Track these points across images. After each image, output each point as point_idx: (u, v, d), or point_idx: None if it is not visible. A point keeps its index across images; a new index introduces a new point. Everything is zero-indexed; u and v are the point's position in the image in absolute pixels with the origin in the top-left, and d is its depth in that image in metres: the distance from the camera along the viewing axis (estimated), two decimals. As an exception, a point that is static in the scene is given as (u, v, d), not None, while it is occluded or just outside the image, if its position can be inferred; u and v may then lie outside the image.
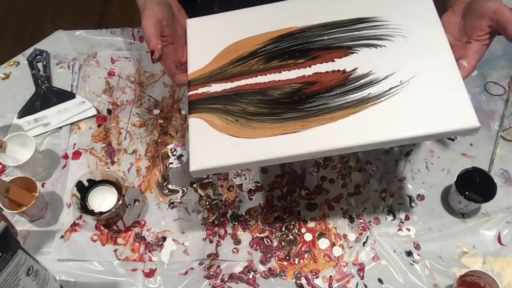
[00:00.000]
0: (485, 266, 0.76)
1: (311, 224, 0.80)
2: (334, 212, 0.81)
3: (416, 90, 0.59)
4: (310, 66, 0.63)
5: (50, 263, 0.76)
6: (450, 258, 0.77)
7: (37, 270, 0.66)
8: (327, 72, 0.62)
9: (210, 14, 0.93)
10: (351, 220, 0.80)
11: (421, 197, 0.82)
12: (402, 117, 0.58)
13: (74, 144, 0.88)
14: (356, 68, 0.62)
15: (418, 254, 0.77)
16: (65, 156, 0.87)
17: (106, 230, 0.79)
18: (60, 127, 0.90)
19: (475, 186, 0.78)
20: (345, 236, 0.79)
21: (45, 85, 0.93)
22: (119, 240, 0.79)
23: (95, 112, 0.91)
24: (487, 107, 0.90)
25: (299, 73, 0.63)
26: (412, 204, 0.81)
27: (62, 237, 0.79)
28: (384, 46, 0.63)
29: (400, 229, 0.79)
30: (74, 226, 0.80)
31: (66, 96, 0.92)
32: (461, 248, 0.77)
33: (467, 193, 0.78)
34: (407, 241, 0.78)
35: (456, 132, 0.58)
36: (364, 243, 0.78)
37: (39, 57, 0.97)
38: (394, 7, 0.66)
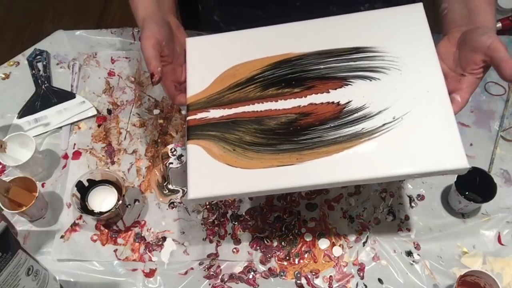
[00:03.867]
0: (485, 266, 0.76)
1: (311, 224, 0.80)
2: (334, 212, 0.81)
3: (409, 127, 0.60)
4: (305, 96, 0.64)
5: (50, 263, 0.76)
6: (450, 258, 0.77)
7: (37, 270, 0.66)
8: (322, 103, 0.63)
9: (211, 23, 0.94)
10: (351, 220, 0.80)
11: (421, 197, 0.82)
12: (395, 154, 0.59)
13: (74, 144, 0.88)
14: (350, 101, 0.62)
15: (418, 254, 0.77)
16: (65, 156, 0.87)
17: (106, 230, 0.79)
18: (60, 127, 0.90)
19: (475, 186, 0.78)
20: (345, 236, 0.79)
21: (45, 85, 0.93)
22: (119, 240, 0.79)
23: (95, 112, 0.91)
24: (487, 107, 0.90)
25: (295, 103, 0.63)
26: (412, 204, 0.81)
27: (62, 237, 0.79)
28: (378, 79, 0.63)
29: (400, 229, 0.79)
30: (74, 226, 0.80)
31: (66, 96, 0.92)
32: (461, 248, 0.77)
33: (467, 193, 0.78)
34: (407, 241, 0.78)
35: (446, 172, 0.59)
36: (364, 243, 0.78)
37: (39, 57, 0.97)
38: (392, 37, 0.66)
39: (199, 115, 0.65)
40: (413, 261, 0.76)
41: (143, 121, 0.90)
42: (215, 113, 0.64)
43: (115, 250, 0.78)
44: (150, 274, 0.76)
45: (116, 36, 0.99)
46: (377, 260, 0.77)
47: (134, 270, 0.77)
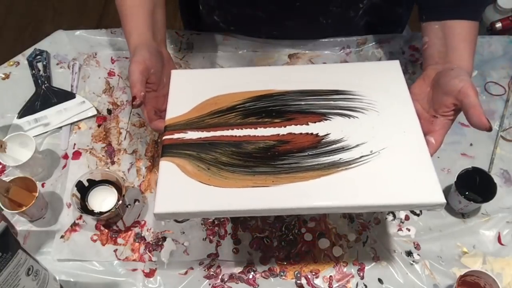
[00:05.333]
0: (485, 266, 0.76)
1: (311, 224, 0.80)
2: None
3: (386, 161, 0.61)
4: (285, 126, 0.65)
5: (50, 263, 0.76)
6: (450, 258, 0.77)
7: (37, 270, 0.66)
8: (301, 133, 0.64)
9: (211, 23, 0.95)
10: (351, 220, 0.80)
11: (421, 197, 0.82)
12: (372, 185, 0.59)
13: (74, 144, 0.88)
14: (328, 134, 0.64)
15: (418, 254, 0.77)
16: (65, 156, 0.87)
17: (106, 230, 0.79)
18: (60, 127, 0.90)
19: (475, 186, 0.78)
20: (345, 236, 0.79)
21: (45, 85, 0.93)
22: (119, 240, 0.79)
23: (95, 112, 0.91)
24: (487, 107, 0.90)
25: (274, 131, 0.64)
26: (412, 204, 0.81)
27: (62, 237, 0.79)
28: (357, 117, 0.65)
29: (400, 229, 0.79)
30: (74, 226, 0.80)
31: (66, 96, 0.92)
32: (461, 248, 0.77)
33: (467, 193, 0.78)
34: (407, 241, 0.78)
35: (422, 206, 0.59)
36: (364, 243, 0.78)
37: (39, 57, 0.97)
38: (371, 85, 0.68)
39: (176, 135, 0.65)
40: (413, 261, 0.76)
41: (143, 121, 0.90)
42: (192, 135, 0.65)
43: (115, 250, 0.78)
44: (150, 274, 0.76)
45: (116, 36, 0.99)
46: (377, 260, 0.77)
47: (134, 270, 0.77)
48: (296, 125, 0.65)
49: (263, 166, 0.61)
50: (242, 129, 0.65)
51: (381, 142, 0.62)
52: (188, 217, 0.59)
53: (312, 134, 0.64)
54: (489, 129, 0.60)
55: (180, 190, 0.60)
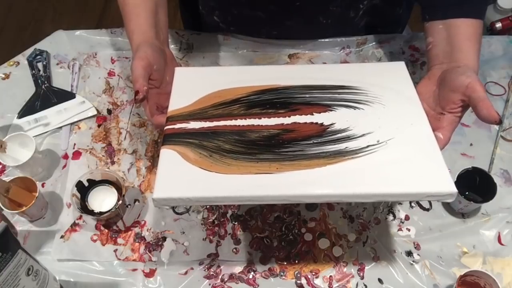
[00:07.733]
0: (485, 266, 0.76)
1: (311, 224, 0.80)
2: (334, 212, 0.81)
3: (394, 151, 0.60)
4: (289, 116, 0.64)
5: (50, 263, 0.76)
6: (450, 258, 0.77)
7: (37, 270, 0.66)
8: (306, 123, 0.64)
9: (211, 24, 0.96)
10: (351, 220, 0.80)
11: (421, 197, 0.82)
12: (380, 174, 0.58)
13: (74, 144, 0.88)
14: (333, 123, 0.63)
15: (418, 254, 0.77)
16: (65, 156, 0.87)
17: (106, 230, 0.79)
18: (60, 127, 0.90)
19: (475, 186, 0.78)
20: (345, 236, 0.79)
21: (45, 85, 0.94)
22: (119, 240, 0.79)
23: (95, 112, 0.91)
24: (487, 107, 0.90)
25: (279, 121, 0.64)
26: (412, 204, 0.81)
27: (62, 237, 0.79)
28: (362, 109, 0.65)
29: (400, 229, 0.79)
30: (74, 226, 0.80)
31: (66, 96, 0.92)
32: (461, 248, 0.77)
33: (467, 193, 0.78)
34: (407, 241, 0.78)
35: (432, 195, 0.57)
36: (364, 243, 0.78)
37: (39, 57, 0.97)
38: (376, 82, 0.68)
39: (178, 125, 0.64)
40: (413, 261, 0.76)
41: (143, 121, 0.90)
42: (195, 125, 0.64)
43: (115, 250, 0.78)
44: (150, 274, 0.76)
45: (116, 36, 0.99)
46: (377, 260, 0.77)
47: (134, 270, 0.77)
48: (301, 115, 0.64)
49: (267, 153, 0.60)
50: (246, 119, 0.64)
51: (388, 132, 0.62)
52: (188, 203, 0.58)
53: (317, 123, 0.63)
54: (499, 121, 0.60)
55: (181, 176, 0.59)
